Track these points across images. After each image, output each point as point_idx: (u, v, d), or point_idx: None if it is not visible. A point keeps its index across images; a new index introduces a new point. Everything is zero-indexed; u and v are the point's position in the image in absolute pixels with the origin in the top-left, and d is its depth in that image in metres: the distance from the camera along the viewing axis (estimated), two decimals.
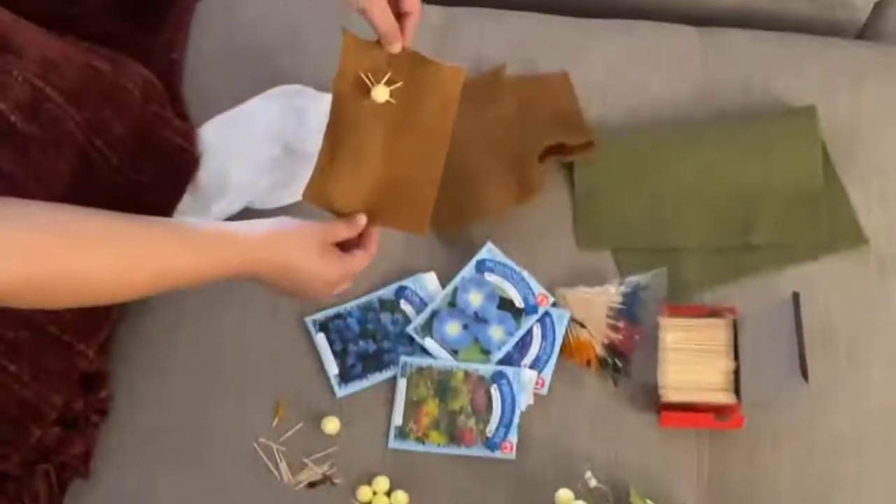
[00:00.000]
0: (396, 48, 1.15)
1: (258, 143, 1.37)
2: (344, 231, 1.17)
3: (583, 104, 1.39)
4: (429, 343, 1.27)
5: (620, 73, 1.42)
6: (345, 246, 1.17)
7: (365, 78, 1.15)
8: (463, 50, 1.44)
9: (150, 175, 1.34)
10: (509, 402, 1.23)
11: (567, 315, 1.26)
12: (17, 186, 1.21)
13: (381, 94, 1.15)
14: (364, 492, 1.21)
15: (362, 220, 1.18)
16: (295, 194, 1.36)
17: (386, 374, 1.26)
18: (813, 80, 1.39)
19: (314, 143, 1.34)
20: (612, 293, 1.27)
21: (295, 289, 1.15)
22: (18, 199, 0.99)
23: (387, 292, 1.30)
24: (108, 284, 1.01)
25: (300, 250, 1.12)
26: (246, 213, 1.35)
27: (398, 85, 1.15)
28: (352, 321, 1.29)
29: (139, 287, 1.04)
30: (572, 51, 1.44)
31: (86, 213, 1.01)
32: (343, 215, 1.18)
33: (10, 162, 1.21)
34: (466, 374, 1.25)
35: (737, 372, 1.20)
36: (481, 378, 1.24)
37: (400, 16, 1.15)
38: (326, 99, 1.37)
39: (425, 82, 1.16)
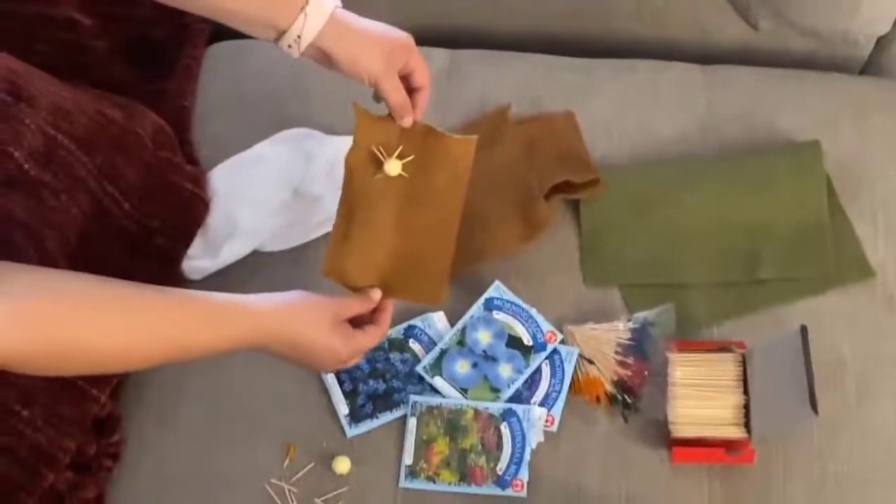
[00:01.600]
0: (408, 122, 1.18)
1: (267, 186, 1.38)
2: (357, 307, 1.18)
3: (588, 143, 1.41)
4: (438, 382, 1.27)
5: (625, 111, 1.43)
6: (357, 321, 1.18)
7: (377, 152, 1.17)
8: (468, 92, 1.46)
9: (162, 220, 1.35)
10: (519, 440, 1.23)
11: (576, 352, 1.27)
12: (31, 233, 1.23)
13: (393, 168, 1.17)
14: None
15: (377, 295, 1.19)
16: (303, 236, 1.37)
17: (396, 414, 1.27)
18: (816, 116, 1.40)
19: (322, 185, 1.37)
20: (620, 329, 1.27)
21: (305, 361, 1.16)
22: (31, 266, 1.01)
23: (396, 332, 1.31)
24: (116, 355, 1.02)
25: (312, 325, 1.13)
26: (255, 256, 1.36)
27: (410, 158, 1.17)
28: (361, 361, 1.29)
29: (149, 358, 1.06)
30: (577, 90, 1.45)
31: (99, 282, 1.02)
32: (358, 289, 1.19)
33: (24, 209, 1.22)
34: (476, 412, 1.25)
35: (747, 406, 1.20)
36: (491, 416, 1.24)
37: (411, 90, 1.18)
38: (334, 142, 1.39)
39: (437, 155, 1.18)
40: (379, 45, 1.14)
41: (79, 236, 1.27)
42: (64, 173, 1.28)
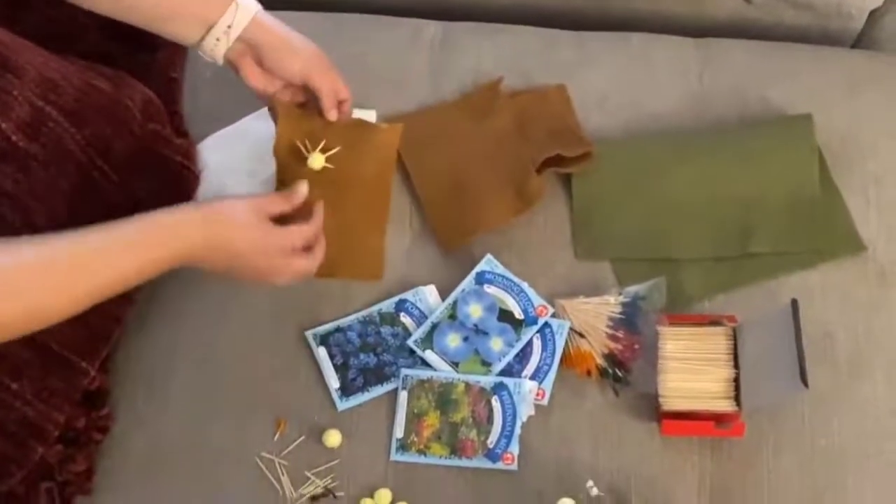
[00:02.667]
0: (333, 115, 1.24)
1: (255, 159, 1.37)
2: (280, 203, 1.19)
3: (580, 116, 1.40)
4: (429, 355, 1.27)
5: (617, 84, 1.43)
6: (284, 221, 1.20)
7: (301, 146, 1.22)
8: (461, 65, 1.45)
9: (151, 193, 1.34)
10: (510, 414, 1.23)
11: (567, 325, 1.27)
12: (18, 206, 1.22)
13: (316, 161, 1.23)
14: None
15: (302, 189, 1.20)
16: None
17: (387, 387, 1.27)
18: (809, 90, 1.40)
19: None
20: (611, 303, 1.27)
21: (239, 267, 1.17)
22: None
23: (387, 305, 1.31)
24: (70, 311, 1.07)
25: (238, 224, 1.15)
26: None
27: (335, 151, 1.22)
28: (352, 335, 1.29)
29: (97, 299, 1.09)
30: (569, 64, 1.44)
31: (32, 245, 1.07)
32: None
33: (12, 181, 1.22)
34: (467, 385, 1.25)
35: (737, 380, 1.20)
36: (482, 390, 1.24)
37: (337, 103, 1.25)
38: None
39: (363, 144, 1.24)
40: (306, 43, 1.22)
41: (67, 209, 1.27)
42: (52, 145, 1.27)
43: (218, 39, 1.18)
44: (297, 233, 1.19)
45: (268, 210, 1.18)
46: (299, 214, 1.20)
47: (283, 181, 1.24)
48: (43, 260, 1.06)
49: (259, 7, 1.21)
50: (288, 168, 1.24)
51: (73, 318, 1.22)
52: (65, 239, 1.08)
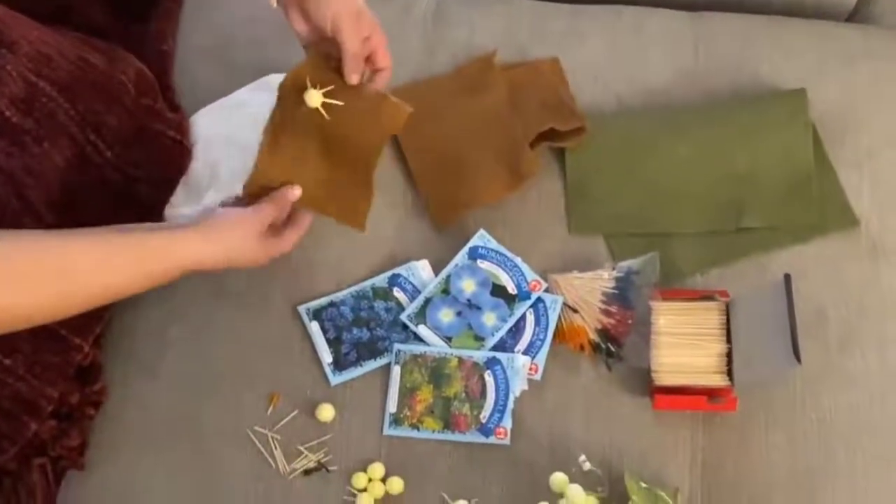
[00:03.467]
0: (354, 79, 1.22)
1: (248, 132, 1.36)
2: (275, 211, 1.22)
3: (574, 90, 1.40)
4: (422, 330, 1.27)
5: (611, 58, 1.42)
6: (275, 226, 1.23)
7: (308, 83, 1.21)
8: (454, 38, 1.44)
9: (144, 168, 1.34)
10: (503, 388, 1.23)
11: (560, 300, 1.27)
12: (12, 181, 1.21)
13: (314, 98, 1.21)
14: (359, 478, 1.21)
15: (293, 193, 1.23)
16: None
17: (380, 362, 1.27)
18: (803, 64, 1.39)
19: None
20: (604, 278, 1.27)
21: (230, 268, 1.19)
22: None
23: (380, 280, 1.31)
24: (57, 315, 1.08)
25: (240, 246, 1.18)
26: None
27: (336, 103, 1.21)
28: (345, 309, 1.29)
29: (88, 308, 1.10)
30: (563, 37, 1.44)
31: (23, 242, 1.05)
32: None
33: (5, 156, 1.21)
34: (460, 360, 1.25)
35: (729, 355, 1.21)
36: (475, 364, 1.25)
37: (373, 71, 1.24)
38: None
39: (367, 111, 1.23)
40: (351, 3, 1.19)
41: (61, 185, 1.26)
42: (46, 120, 1.26)
43: None
44: (287, 243, 1.23)
45: (264, 225, 1.20)
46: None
47: (276, 121, 1.23)
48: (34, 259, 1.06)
49: None
50: (286, 108, 1.23)
51: None
52: (76, 246, 1.09)
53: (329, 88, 1.21)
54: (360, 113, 1.22)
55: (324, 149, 1.24)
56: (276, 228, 1.23)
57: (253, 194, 1.24)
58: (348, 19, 1.18)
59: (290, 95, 1.22)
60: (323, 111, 1.22)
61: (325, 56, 1.23)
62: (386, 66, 1.23)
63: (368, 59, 1.23)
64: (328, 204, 1.26)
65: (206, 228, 1.17)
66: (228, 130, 1.38)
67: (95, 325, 1.28)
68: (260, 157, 1.23)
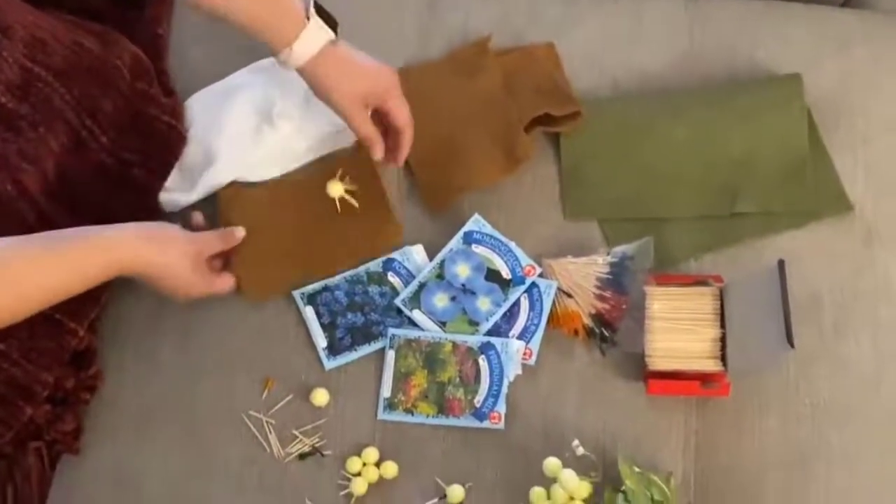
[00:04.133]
0: (378, 154, 1.27)
1: (243, 115, 1.36)
2: (219, 245, 1.26)
3: (569, 75, 1.39)
4: (417, 315, 1.27)
5: (607, 43, 1.41)
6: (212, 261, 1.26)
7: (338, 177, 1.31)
8: (450, 22, 1.44)
9: (139, 153, 1.33)
10: (497, 373, 1.23)
11: (554, 285, 1.27)
12: (7, 166, 1.21)
13: (334, 189, 1.30)
14: (354, 463, 1.22)
15: (240, 233, 1.27)
16: (282, 168, 1.36)
17: (374, 346, 1.27)
18: (799, 49, 1.39)
19: (298, 115, 1.35)
20: (599, 263, 1.27)
21: (160, 288, 1.20)
22: None
23: (374, 265, 1.31)
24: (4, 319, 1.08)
25: (175, 262, 1.19)
26: (234, 186, 1.35)
27: (352, 203, 1.30)
28: (339, 294, 1.29)
29: (29, 313, 1.11)
30: (559, 22, 1.43)
31: None
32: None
33: (0, 142, 1.21)
34: (454, 345, 1.25)
35: (723, 340, 1.21)
36: (469, 349, 1.25)
37: (391, 131, 1.28)
38: None
39: (374, 218, 1.31)
40: (355, 82, 1.23)
41: (56, 170, 1.26)
42: (41, 105, 1.26)
43: (284, 61, 1.22)
44: (221, 285, 1.25)
45: (206, 253, 1.23)
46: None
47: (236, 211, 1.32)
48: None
49: (329, 39, 1.21)
50: (307, 181, 1.34)
51: None
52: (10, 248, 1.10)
53: (352, 188, 1.30)
54: (364, 222, 1.30)
55: (316, 223, 1.32)
56: (213, 265, 1.26)
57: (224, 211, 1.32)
58: (351, 106, 1.23)
59: (318, 173, 1.32)
60: (338, 204, 1.30)
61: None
62: (402, 125, 1.27)
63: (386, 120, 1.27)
64: (363, 248, 1.32)
65: (147, 231, 1.18)
66: (223, 114, 1.37)
67: (90, 309, 1.28)
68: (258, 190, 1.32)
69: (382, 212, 1.31)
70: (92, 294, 1.27)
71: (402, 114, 1.26)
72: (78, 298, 1.25)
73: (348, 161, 1.32)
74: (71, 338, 1.25)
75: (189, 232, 1.23)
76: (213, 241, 1.25)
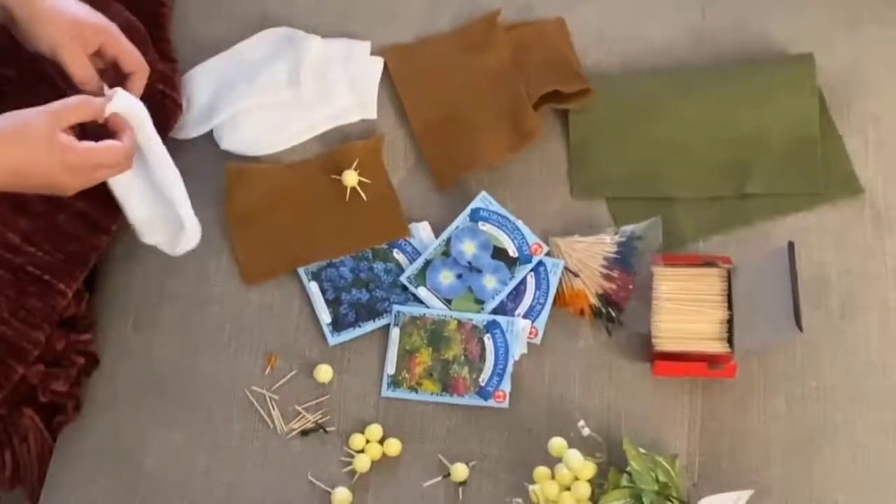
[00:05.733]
0: (90, 89, 1.15)
1: (248, 87, 1.35)
2: (78, 112, 1.10)
3: (578, 51, 1.38)
4: (422, 292, 1.26)
5: (617, 19, 1.40)
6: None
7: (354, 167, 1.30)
8: None
9: None
10: (503, 352, 1.23)
11: (561, 264, 1.26)
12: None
13: (349, 178, 1.29)
14: (357, 440, 1.21)
15: (100, 102, 1.12)
16: (286, 141, 1.35)
17: (379, 323, 1.26)
18: (811, 27, 1.37)
19: (305, 87, 1.34)
20: (606, 242, 1.26)
21: (36, 187, 1.09)
22: None
23: None
24: None
25: (24, 150, 1.06)
26: (240, 160, 1.34)
27: (361, 195, 1.29)
28: (344, 270, 1.28)
29: None
30: None
31: None
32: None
33: None
34: (460, 323, 1.24)
35: (730, 321, 1.20)
36: (475, 327, 1.24)
37: (123, 75, 1.19)
38: (315, 42, 1.36)
39: (382, 210, 1.30)
40: (64, 20, 1.13)
41: None
42: (28, 68, 1.24)
43: None
44: (106, 155, 1.10)
45: (64, 124, 1.08)
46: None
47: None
48: None
49: None
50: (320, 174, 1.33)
51: (49, 243, 1.22)
52: None
53: (366, 182, 1.29)
54: (371, 215, 1.29)
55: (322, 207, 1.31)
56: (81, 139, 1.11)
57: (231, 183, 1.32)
58: (62, 42, 1.13)
59: (327, 160, 1.31)
60: (348, 193, 1.29)
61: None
62: (135, 68, 1.18)
63: (114, 68, 1.18)
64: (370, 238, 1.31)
65: None
66: (228, 85, 1.36)
67: (79, 271, 1.27)
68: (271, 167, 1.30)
69: (391, 209, 1.30)
70: (81, 255, 1.26)
71: (132, 57, 1.18)
72: (65, 261, 1.25)
73: (360, 152, 1.30)
74: (60, 299, 1.25)
75: (33, 112, 1.09)
76: (69, 108, 1.10)
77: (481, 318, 1.24)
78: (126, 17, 1.34)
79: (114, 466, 1.24)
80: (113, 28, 1.17)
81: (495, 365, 1.22)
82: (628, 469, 1.11)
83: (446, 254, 1.27)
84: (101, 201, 1.26)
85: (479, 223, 1.28)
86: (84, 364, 1.27)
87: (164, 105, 1.34)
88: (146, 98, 1.32)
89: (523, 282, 1.26)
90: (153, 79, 1.33)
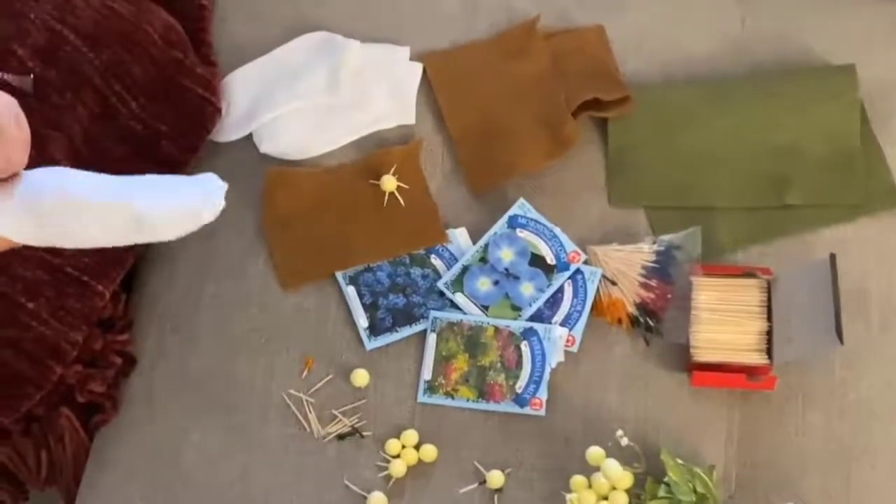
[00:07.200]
0: None
1: (287, 91, 1.35)
2: None
3: (618, 59, 1.37)
4: (459, 298, 1.26)
5: (656, 28, 1.40)
6: None
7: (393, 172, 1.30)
8: (495, 2, 1.42)
9: (170, 124, 1.33)
10: (539, 359, 1.22)
11: (599, 273, 1.26)
12: (34, 133, 1.20)
13: (388, 183, 1.29)
14: (393, 445, 1.21)
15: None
16: (324, 146, 1.35)
17: (416, 328, 1.26)
18: (852, 38, 1.37)
19: (342, 91, 1.34)
20: (645, 251, 1.26)
21: None
22: None
23: None
24: None
25: None
26: (278, 164, 1.34)
27: (399, 199, 1.29)
28: (382, 275, 1.28)
29: None
30: (607, 4, 1.41)
31: None
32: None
33: (26, 108, 1.19)
34: (496, 329, 1.24)
35: (769, 333, 1.20)
36: (511, 334, 1.24)
37: None
38: (354, 46, 1.37)
39: (419, 215, 1.30)
40: None
41: (84, 137, 1.26)
42: (69, 70, 1.25)
43: None
44: None
45: None
46: None
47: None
48: None
49: None
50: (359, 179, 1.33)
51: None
52: None
53: (404, 187, 1.29)
54: (408, 221, 1.29)
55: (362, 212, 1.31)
56: None
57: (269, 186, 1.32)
58: None
59: (364, 166, 1.31)
60: (386, 198, 1.29)
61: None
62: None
63: None
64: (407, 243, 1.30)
65: None
66: (266, 89, 1.37)
67: (115, 272, 1.28)
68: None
69: (429, 214, 1.30)
70: (117, 256, 1.27)
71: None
72: (102, 263, 1.26)
73: (398, 157, 1.31)
74: (98, 299, 1.26)
75: None
76: None
77: (518, 325, 1.24)
78: (166, 20, 1.34)
79: (150, 468, 1.24)
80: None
81: (532, 372, 1.22)
82: (666, 480, 1.11)
83: (484, 260, 1.27)
84: None
85: (517, 230, 1.28)
86: (121, 365, 1.27)
87: (203, 109, 1.34)
88: (185, 102, 1.33)
89: (561, 289, 1.25)
90: (192, 82, 1.34)
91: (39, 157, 1.18)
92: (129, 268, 1.30)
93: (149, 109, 1.31)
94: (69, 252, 1.24)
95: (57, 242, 0.97)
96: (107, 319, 1.29)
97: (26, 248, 1.12)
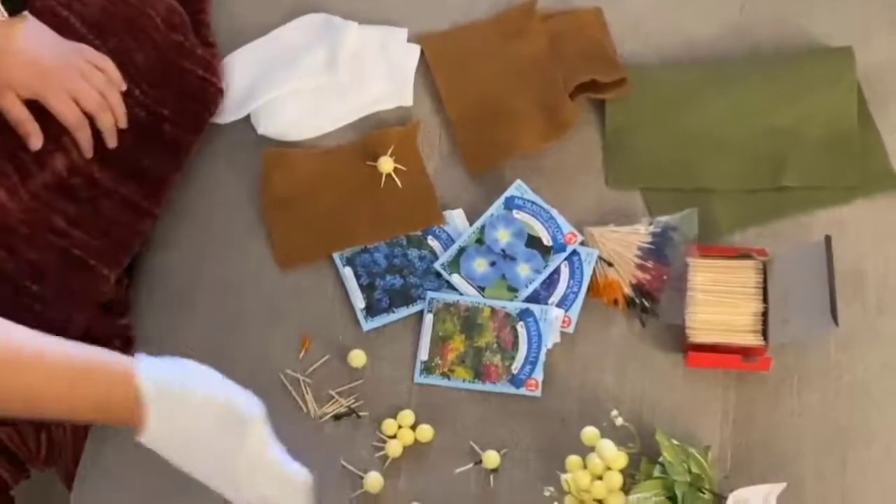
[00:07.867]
0: (35, 143, 1.20)
1: (285, 72, 1.36)
2: None
3: (615, 41, 1.37)
4: (456, 279, 1.26)
5: (654, 10, 1.40)
6: None
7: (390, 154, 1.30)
8: None
9: (171, 108, 1.33)
10: (535, 340, 1.23)
11: (595, 254, 1.26)
12: (39, 121, 1.21)
13: (385, 165, 1.29)
14: (389, 425, 1.21)
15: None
16: (322, 127, 1.36)
17: (413, 309, 1.26)
18: (850, 22, 1.37)
19: (340, 72, 1.34)
20: (641, 233, 1.26)
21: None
22: None
23: None
24: None
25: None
26: (276, 145, 1.34)
27: (396, 181, 1.30)
28: (379, 256, 1.28)
29: None
30: None
31: None
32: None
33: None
34: (493, 310, 1.24)
35: (765, 314, 1.20)
36: (508, 315, 1.24)
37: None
38: (352, 28, 1.37)
39: (417, 195, 1.30)
40: (11, 63, 1.17)
41: (90, 125, 1.25)
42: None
43: None
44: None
45: None
46: None
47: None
48: None
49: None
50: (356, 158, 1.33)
51: (94, 227, 1.23)
52: None
53: (401, 168, 1.29)
54: (406, 202, 1.29)
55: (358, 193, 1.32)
56: None
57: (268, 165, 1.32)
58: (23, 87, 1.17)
59: (361, 147, 1.31)
60: (383, 180, 1.29)
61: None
62: (70, 125, 1.22)
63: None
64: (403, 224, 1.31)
65: None
66: (265, 70, 1.37)
67: (123, 258, 1.28)
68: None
69: (426, 195, 1.30)
70: (125, 244, 1.27)
71: (64, 115, 1.21)
72: (111, 247, 1.26)
73: (396, 138, 1.31)
74: (102, 283, 1.26)
75: None
76: None
77: (514, 307, 1.24)
78: (168, 2, 1.34)
79: (149, 449, 1.24)
80: (61, 84, 1.20)
81: (528, 353, 1.23)
82: (661, 460, 1.11)
83: (480, 241, 1.28)
84: (144, 186, 1.27)
85: (514, 211, 1.28)
86: (121, 347, 1.28)
87: (205, 90, 1.34)
88: (187, 85, 1.33)
89: (557, 271, 1.26)
90: (194, 64, 1.34)
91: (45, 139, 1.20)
92: (135, 255, 1.30)
93: (151, 95, 1.31)
94: (76, 234, 1.24)
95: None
96: (107, 302, 1.29)
97: (33, 229, 1.14)
